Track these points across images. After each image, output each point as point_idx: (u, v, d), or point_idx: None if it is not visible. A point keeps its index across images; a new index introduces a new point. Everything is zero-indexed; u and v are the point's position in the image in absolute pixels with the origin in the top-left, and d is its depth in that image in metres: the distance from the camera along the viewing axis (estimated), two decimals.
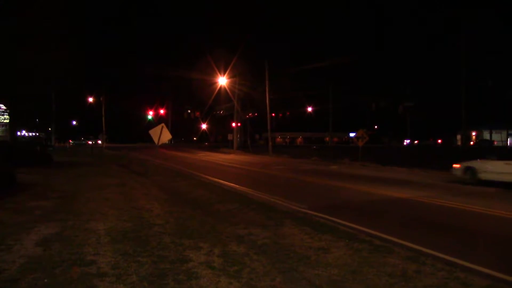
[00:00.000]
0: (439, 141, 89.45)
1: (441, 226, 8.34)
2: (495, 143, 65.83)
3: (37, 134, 77.28)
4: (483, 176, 15.72)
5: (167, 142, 33.98)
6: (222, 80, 48.16)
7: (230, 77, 48.44)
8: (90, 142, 78.63)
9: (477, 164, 16.38)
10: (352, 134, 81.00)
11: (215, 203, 10.85)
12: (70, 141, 75.37)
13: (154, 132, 19.84)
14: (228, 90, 49.89)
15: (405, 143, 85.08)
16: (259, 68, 45.90)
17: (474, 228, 8.19)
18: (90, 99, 62.36)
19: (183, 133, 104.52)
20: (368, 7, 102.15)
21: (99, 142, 63.86)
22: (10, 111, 30.00)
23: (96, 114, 65.16)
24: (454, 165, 17.48)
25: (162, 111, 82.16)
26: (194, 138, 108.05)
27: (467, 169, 16.58)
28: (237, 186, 14.85)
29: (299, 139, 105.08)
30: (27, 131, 78.92)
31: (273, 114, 62.84)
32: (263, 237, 6.94)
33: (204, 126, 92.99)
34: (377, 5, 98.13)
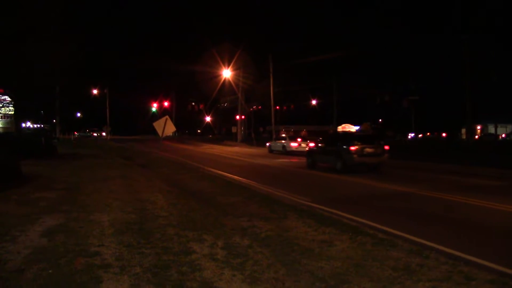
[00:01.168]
0: (444, 135, 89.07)
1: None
2: (500, 137, 65.53)
3: (42, 126, 77.57)
4: (273, 148, 31.76)
5: (171, 134, 34.75)
6: (226, 73, 48.01)
7: (234, 69, 48.34)
8: (94, 134, 78.92)
9: (271, 143, 32.63)
10: (356, 128, 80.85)
11: (218, 196, 10.86)
12: (75, 133, 75.52)
13: (158, 125, 19.87)
14: (232, 83, 49.84)
15: (409, 137, 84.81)
16: (263, 61, 45.82)
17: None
18: (95, 92, 62.43)
19: (187, 125, 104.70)
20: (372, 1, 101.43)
21: (104, 134, 63.96)
22: (15, 103, 30.09)
23: (100, 106, 65.26)
24: (266, 144, 33.45)
25: (166, 104, 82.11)
26: (198, 131, 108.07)
27: (269, 146, 32.54)
28: (241, 178, 14.87)
29: (303, 132, 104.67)
30: (32, 123, 79.22)
31: (277, 107, 62.81)
32: (267, 230, 6.95)
33: (208, 118, 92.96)
34: None
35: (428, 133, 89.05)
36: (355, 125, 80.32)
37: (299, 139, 30.54)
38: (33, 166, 16.17)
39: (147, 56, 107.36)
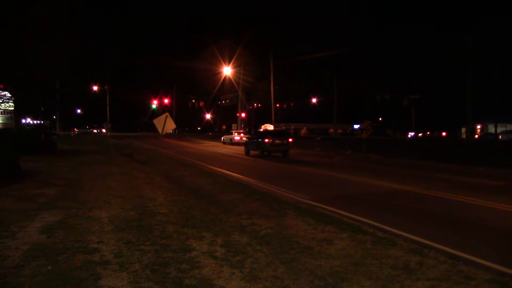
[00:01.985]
0: (444, 134, 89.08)
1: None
2: (500, 136, 65.46)
3: (42, 122, 77.51)
4: (225, 141, 41.89)
5: (171, 131, 36.56)
6: (227, 70, 47.99)
7: (234, 67, 48.31)
8: (94, 131, 78.86)
9: (224, 137, 42.95)
10: (356, 126, 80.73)
11: (218, 193, 10.86)
12: (75, 129, 75.47)
13: (158, 122, 19.89)
14: (233, 80, 49.83)
15: (409, 136, 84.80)
16: (264, 59, 45.82)
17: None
18: (95, 88, 62.41)
19: (187, 123, 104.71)
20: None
21: (104, 130, 63.90)
22: (15, 99, 30.06)
23: (100, 103, 65.25)
24: (222, 137, 43.78)
25: (166, 101, 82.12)
26: (198, 128, 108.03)
27: (222, 139, 42.97)
28: (241, 176, 14.86)
29: (303, 130, 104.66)
30: (32, 119, 79.20)
31: (278, 105, 62.81)
32: (266, 228, 6.94)
33: (208, 116, 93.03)
34: None
35: (428, 132, 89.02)
36: (355, 123, 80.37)
37: (241, 134, 42.06)
38: (32, 162, 16.16)
39: (148, 53, 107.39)
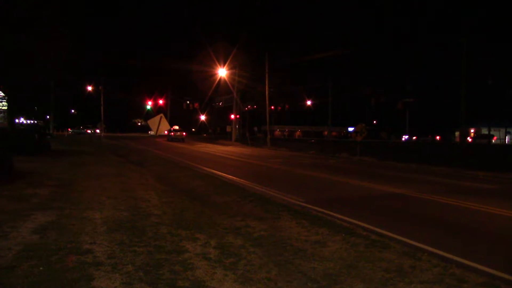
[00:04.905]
0: (438, 137, 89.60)
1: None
2: (495, 139, 66.05)
3: (36, 122, 76.99)
4: (153, 133, 41.20)
5: (165, 132, 37.58)
6: (222, 72, 47.99)
7: (229, 68, 48.34)
8: (88, 131, 78.50)
9: (151, 132, 45.32)
10: (350, 129, 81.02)
11: (212, 195, 10.84)
12: (69, 129, 75.02)
13: (152, 122, 19.81)
14: (228, 82, 49.84)
15: (403, 139, 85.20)
16: (259, 60, 45.92)
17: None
18: (89, 88, 62.20)
19: (182, 124, 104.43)
20: (369, 2, 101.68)
21: (98, 131, 63.63)
22: (9, 98, 29.83)
23: (95, 103, 65.00)
24: (149, 132, 69.10)
25: (161, 102, 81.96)
26: (193, 129, 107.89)
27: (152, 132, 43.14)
28: (235, 178, 14.84)
29: (298, 133, 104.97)
30: (25, 119, 78.74)
31: (272, 107, 62.86)
32: (260, 230, 6.95)
33: (203, 117, 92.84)
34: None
35: (422, 138, 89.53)
36: (349, 126, 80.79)
37: (166, 131, 56.58)
38: (26, 162, 16.04)
39: (143, 54, 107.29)
